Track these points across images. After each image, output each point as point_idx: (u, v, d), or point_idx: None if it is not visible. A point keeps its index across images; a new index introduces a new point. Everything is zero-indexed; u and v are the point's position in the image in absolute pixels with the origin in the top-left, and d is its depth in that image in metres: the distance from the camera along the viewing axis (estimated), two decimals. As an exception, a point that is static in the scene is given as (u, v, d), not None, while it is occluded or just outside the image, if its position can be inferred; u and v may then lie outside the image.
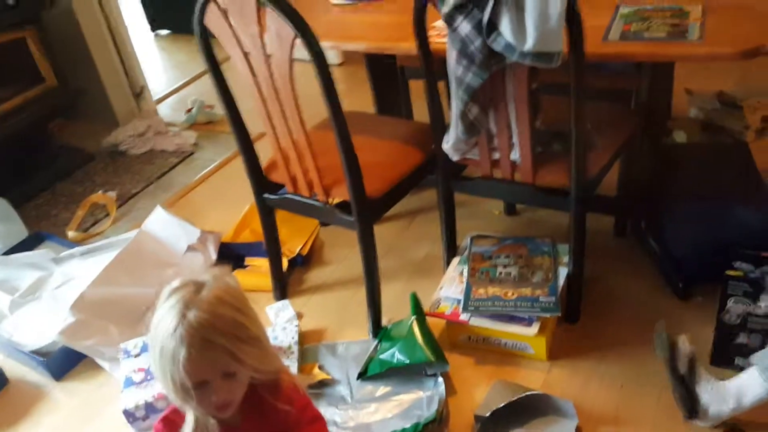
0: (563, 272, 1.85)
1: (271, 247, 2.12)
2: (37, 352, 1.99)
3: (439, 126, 1.82)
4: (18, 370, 2.04)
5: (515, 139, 1.68)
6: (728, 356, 1.66)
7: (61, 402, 1.94)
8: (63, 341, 1.95)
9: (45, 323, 2.05)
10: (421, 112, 2.23)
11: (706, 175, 1.97)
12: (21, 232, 2.55)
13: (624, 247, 2.14)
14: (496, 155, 1.76)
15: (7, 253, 2.45)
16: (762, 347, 1.52)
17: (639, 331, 1.83)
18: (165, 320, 0.99)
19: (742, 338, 1.62)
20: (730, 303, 1.62)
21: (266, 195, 1.99)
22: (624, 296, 1.96)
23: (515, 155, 1.71)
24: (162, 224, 2.34)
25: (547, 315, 1.76)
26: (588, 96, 1.57)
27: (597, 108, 1.79)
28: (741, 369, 1.51)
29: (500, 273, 1.88)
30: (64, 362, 1.99)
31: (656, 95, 1.93)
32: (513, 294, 1.80)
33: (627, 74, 1.99)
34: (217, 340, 0.98)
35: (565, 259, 1.88)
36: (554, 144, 1.71)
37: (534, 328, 1.76)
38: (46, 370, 1.97)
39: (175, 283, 1.03)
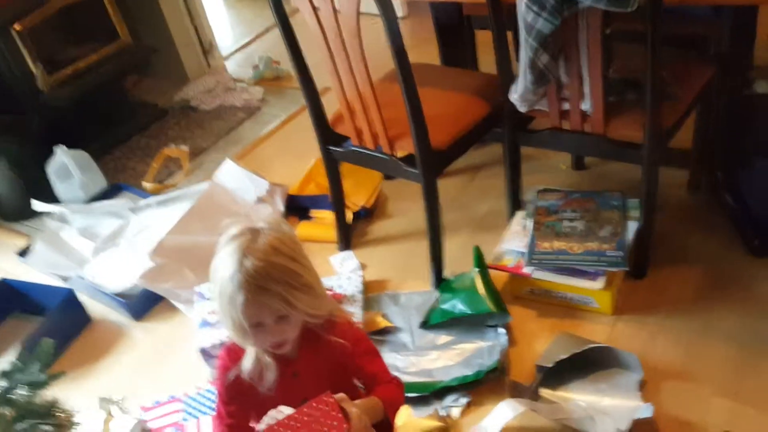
0: (632, 227, 1.82)
1: (336, 199, 2.16)
2: (118, 294, 2.12)
3: (507, 76, 1.79)
4: (101, 310, 2.18)
5: (586, 88, 1.63)
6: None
7: (141, 340, 2.06)
8: (143, 284, 2.07)
9: (124, 268, 2.17)
10: (486, 64, 2.20)
11: (789, 128, 1.87)
12: (101, 182, 2.68)
13: (698, 202, 2.07)
14: (566, 105, 1.72)
15: (89, 202, 2.59)
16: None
17: (710, 288, 1.79)
18: (224, 266, 1.05)
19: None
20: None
21: (332, 147, 2.02)
22: (695, 252, 1.90)
23: (586, 105, 1.67)
24: (232, 176, 2.42)
25: (614, 269, 1.74)
26: (664, 43, 1.51)
27: (673, 55, 1.72)
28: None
29: (566, 227, 1.86)
30: (144, 303, 2.12)
31: (737, 42, 1.82)
32: (579, 248, 1.78)
33: (706, 20, 1.89)
34: (271, 287, 1.03)
35: (635, 213, 1.84)
36: (627, 93, 1.66)
37: (599, 282, 1.74)
38: (126, 310, 2.10)
39: (233, 230, 1.08)
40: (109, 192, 2.66)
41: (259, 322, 1.07)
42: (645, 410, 1.46)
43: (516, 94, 1.73)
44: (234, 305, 1.04)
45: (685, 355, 1.64)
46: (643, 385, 1.55)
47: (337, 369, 1.21)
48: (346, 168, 2.11)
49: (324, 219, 2.33)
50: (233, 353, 1.19)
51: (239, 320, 1.06)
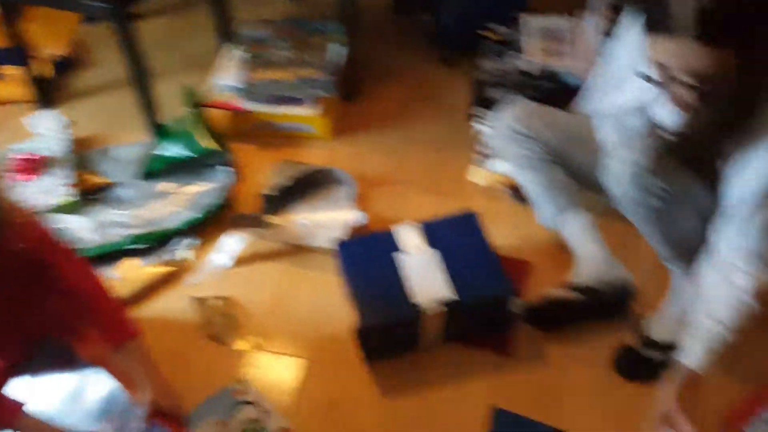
0: (339, 51, 1.85)
1: (20, 48, 1.86)
2: None
3: None
4: None
5: None
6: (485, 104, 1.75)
7: None
8: None
9: None
10: None
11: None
12: None
13: (400, 24, 2.18)
14: None
15: None
16: (503, 100, 1.63)
17: (411, 101, 1.94)
18: None
19: (491, 93, 1.76)
20: (482, 61, 1.76)
21: (-4, -15, 1.70)
22: (399, 71, 2.04)
23: None
24: None
25: (325, 94, 1.79)
26: None
27: None
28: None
29: (277, 56, 1.84)
30: None
31: None
32: (291, 76, 1.79)
33: None
34: None
35: (342, 38, 1.87)
36: None
37: (313, 108, 1.78)
38: None
39: None
40: None
41: None
42: (359, 218, 1.59)
43: None
44: None
45: (396, 164, 1.79)
46: (357, 197, 1.68)
47: (28, 281, 1.08)
48: (31, 13, 1.80)
49: (13, 75, 2.01)
50: None
51: None
